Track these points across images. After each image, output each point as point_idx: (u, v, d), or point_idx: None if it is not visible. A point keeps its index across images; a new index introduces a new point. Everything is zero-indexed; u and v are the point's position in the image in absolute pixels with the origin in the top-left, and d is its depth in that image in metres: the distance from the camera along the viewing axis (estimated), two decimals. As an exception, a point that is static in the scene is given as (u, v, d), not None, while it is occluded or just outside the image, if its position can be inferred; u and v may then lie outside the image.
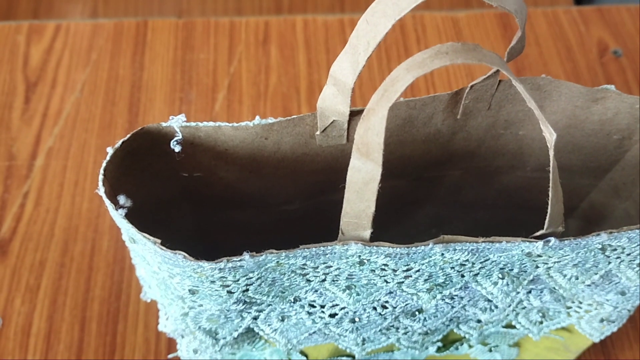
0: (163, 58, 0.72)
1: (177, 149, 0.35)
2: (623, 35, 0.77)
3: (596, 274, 0.36)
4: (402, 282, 0.35)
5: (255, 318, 0.38)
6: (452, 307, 0.39)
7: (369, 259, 0.33)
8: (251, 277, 0.33)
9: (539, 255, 0.34)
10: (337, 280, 0.35)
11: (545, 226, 0.32)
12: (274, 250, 0.31)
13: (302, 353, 0.46)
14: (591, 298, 0.41)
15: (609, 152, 0.42)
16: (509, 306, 0.40)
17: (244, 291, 0.34)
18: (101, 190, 0.33)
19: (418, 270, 0.34)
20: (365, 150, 0.29)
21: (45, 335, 0.55)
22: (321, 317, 0.38)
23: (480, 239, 0.32)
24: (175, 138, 0.35)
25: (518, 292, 0.37)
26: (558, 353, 0.50)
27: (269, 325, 0.39)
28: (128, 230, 0.32)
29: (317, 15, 0.77)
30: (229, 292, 0.34)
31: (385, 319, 0.39)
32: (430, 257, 0.33)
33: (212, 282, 0.33)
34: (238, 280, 0.33)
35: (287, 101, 0.70)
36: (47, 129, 0.67)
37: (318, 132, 0.37)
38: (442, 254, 0.32)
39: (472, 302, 0.39)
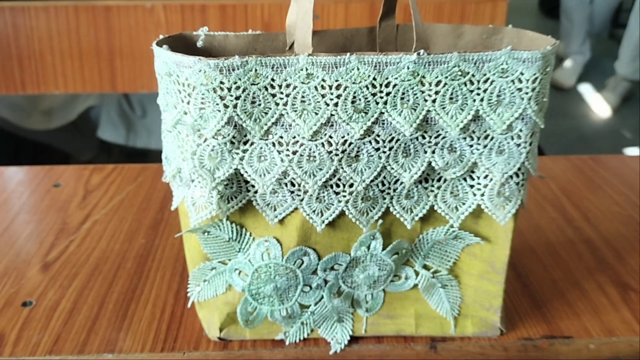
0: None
1: (200, 44, 0.58)
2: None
3: (469, 113, 0.54)
4: (337, 103, 0.53)
5: (241, 159, 0.55)
6: (379, 157, 0.55)
7: (313, 73, 0.52)
8: (239, 87, 0.52)
9: (422, 81, 0.53)
10: (295, 104, 0.53)
11: (414, 43, 0.52)
12: (252, 56, 0.52)
13: (277, 240, 0.59)
14: (482, 165, 0.57)
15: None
16: (421, 158, 0.56)
17: (234, 107, 0.53)
18: (154, 45, 0.55)
19: (345, 89, 0.53)
20: (305, -13, 0.52)
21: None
22: (287, 155, 0.55)
23: (381, 54, 0.52)
24: (200, 38, 0.58)
25: (420, 124, 0.54)
26: (489, 276, 0.62)
27: (251, 166, 0.55)
28: (167, 60, 0.53)
29: None
30: (225, 105, 0.52)
31: (332, 160, 0.55)
32: (350, 72, 0.52)
33: (214, 90, 0.52)
34: (231, 88, 0.52)
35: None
36: (97, 210, 0.87)
37: (287, 49, 0.59)
38: (358, 68, 0.52)
39: (393, 153, 0.55)
